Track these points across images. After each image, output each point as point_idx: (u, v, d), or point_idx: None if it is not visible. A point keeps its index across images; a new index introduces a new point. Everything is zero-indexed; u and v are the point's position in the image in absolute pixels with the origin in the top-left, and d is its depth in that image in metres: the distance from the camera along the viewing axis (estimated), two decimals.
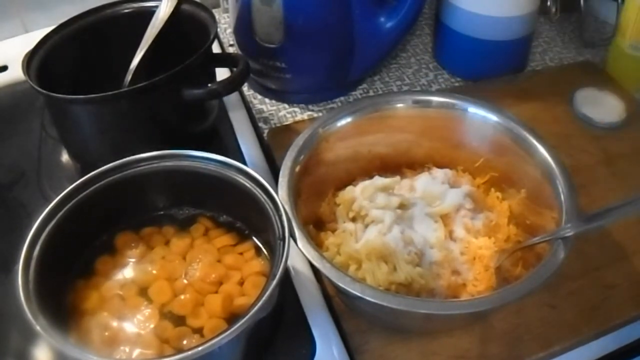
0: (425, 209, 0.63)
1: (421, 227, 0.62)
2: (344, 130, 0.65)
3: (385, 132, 0.68)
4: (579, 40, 0.98)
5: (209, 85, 0.68)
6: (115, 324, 0.54)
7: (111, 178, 0.59)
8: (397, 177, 0.67)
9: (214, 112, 0.75)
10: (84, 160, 0.74)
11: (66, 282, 0.56)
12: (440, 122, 0.67)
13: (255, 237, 0.61)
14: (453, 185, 0.66)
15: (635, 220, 0.63)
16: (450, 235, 0.62)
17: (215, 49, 0.87)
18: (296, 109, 0.86)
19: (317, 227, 0.64)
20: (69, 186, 0.57)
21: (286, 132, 0.80)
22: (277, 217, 0.54)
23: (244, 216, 0.61)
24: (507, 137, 0.63)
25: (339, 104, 0.87)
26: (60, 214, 0.55)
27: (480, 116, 0.65)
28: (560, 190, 0.57)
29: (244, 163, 0.67)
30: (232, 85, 0.68)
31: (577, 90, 0.84)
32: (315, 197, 0.65)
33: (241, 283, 0.57)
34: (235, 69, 0.68)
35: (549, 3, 1.01)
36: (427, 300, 0.55)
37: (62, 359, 0.54)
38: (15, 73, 0.75)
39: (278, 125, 0.83)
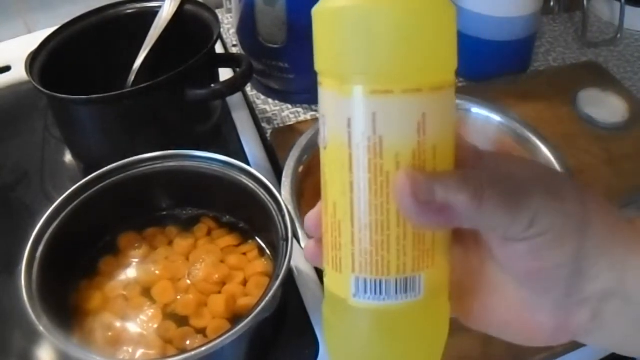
0: None
1: None
2: None
3: None
4: (582, 40, 0.98)
5: (212, 85, 0.68)
6: (118, 324, 0.54)
7: (114, 178, 0.59)
8: None
9: (217, 113, 0.75)
10: (87, 160, 0.74)
11: (69, 282, 0.56)
12: None
13: (259, 237, 0.61)
14: None
15: None
16: None
17: (219, 49, 0.87)
18: (299, 109, 0.86)
19: None
20: (72, 186, 0.57)
21: (289, 133, 0.79)
22: (280, 218, 0.54)
23: (247, 216, 0.61)
24: (511, 137, 0.63)
25: None
26: (64, 214, 0.55)
27: (484, 116, 0.65)
28: None
29: (247, 163, 0.67)
30: (235, 85, 0.68)
31: (581, 91, 0.84)
32: (318, 197, 0.65)
33: (244, 283, 0.57)
34: (238, 69, 0.68)
35: (552, 3, 1.02)
36: None
37: (65, 359, 0.54)
38: (19, 73, 0.75)
39: (281, 125, 0.83)
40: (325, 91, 0.29)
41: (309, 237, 0.32)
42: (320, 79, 0.30)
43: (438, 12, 0.28)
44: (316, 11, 0.29)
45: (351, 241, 0.29)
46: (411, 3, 0.27)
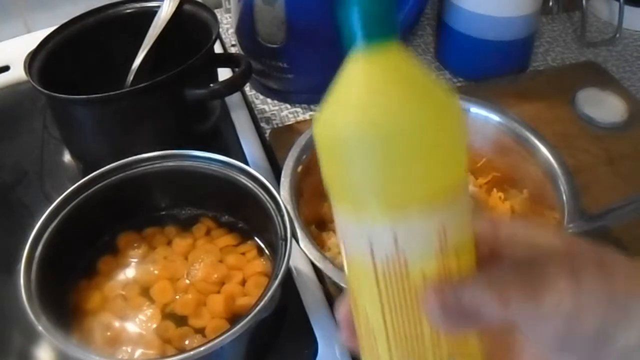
0: None
1: None
2: None
3: None
4: (581, 40, 0.98)
5: (211, 85, 0.68)
6: (117, 324, 0.54)
7: (113, 178, 0.59)
8: None
9: (216, 112, 0.75)
10: (86, 160, 0.74)
11: (68, 282, 0.56)
12: None
13: (258, 237, 0.61)
14: None
15: (637, 220, 0.63)
16: None
17: (217, 49, 0.87)
18: (298, 109, 0.86)
19: (319, 227, 0.64)
20: (71, 186, 0.57)
21: (288, 132, 0.79)
22: (279, 217, 0.54)
23: (246, 216, 0.61)
24: (509, 137, 0.63)
25: None
26: (63, 214, 0.55)
27: (483, 116, 0.65)
28: (563, 190, 0.57)
29: (246, 163, 0.67)
30: (234, 85, 0.68)
31: (579, 90, 0.84)
32: (317, 197, 0.65)
33: (243, 283, 0.57)
34: (237, 69, 0.68)
35: (550, 3, 1.02)
36: None
37: (64, 359, 0.54)
38: (18, 73, 0.75)
39: (280, 125, 0.83)
40: (340, 212, 0.29)
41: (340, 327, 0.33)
42: (332, 198, 0.29)
43: (448, 124, 0.27)
44: (321, 136, 0.29)
45: (387, 349, 0.30)
46: (419, 121, 0.26)
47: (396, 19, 0.27)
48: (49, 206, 0.55)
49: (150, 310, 0.55)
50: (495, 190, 0.67)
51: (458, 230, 0.28)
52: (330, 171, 0.29)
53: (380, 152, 0.26)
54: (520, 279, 0.28)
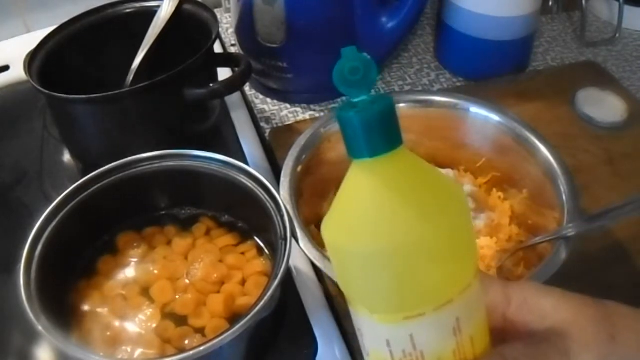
0: None
1: None
2: None
3: None
4: (581, 40, 0.98)
5: (211, 85, 0.68)
6: (117, 324, 0.54)
7: (113, 178, 0.59)
8: None
9: (215, 112, 0.75)
10: (85, 160, 0.74)
11: (68, 282, 0.56)
12: (442, 122, 0.67)
13: (257, 237, 0.61)
14: None
15: (637, 220, 0.63)
16: None
17: (217, 48, 0.87)
18: (298, 109, 0.86)
19: (319, 227, 0.63)
20: (70, 186, 0.57)
21: (288, 132, 0.79)
22: (279, 217, 0.54)
23: (245, 216, 0.61)
24: (509, 137, 0.63)
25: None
26: (62, 213, 0.55)
27: (482, 116, 0.65)
28: (562, 190, 0.57)
29: (246, 163, 0.67)
30: (234, 85, 0.68)
31: (579, 90, 0.84)
32: (317, 197, 0.65)
33: (243, 283, 0.57)
34: (237, 69, 0.68)
35: (550, 3, 1.02)
36: None
37: (64, 359, 0.54)
38: (17, 73, 0.75)
39: (280, 125, 0.83)
40: (358, 313, 0.30)
41: None
42: (347, 299, 0.30)
43: (456, 230, 0.28)
44: (332, 244, 0.30)
45: None
46: (428, 235, 0.27)
47: (399, 127, 0.28)
48: (49, 206, 0.55)
49: (150, 310, 0.55)
50: (495, 190, 0.67)
51: (472, 318, 0.29)
52: (343, 276, 0.30)
53: (392, 266, 0.27)
54: (533, 353, 0.30)
